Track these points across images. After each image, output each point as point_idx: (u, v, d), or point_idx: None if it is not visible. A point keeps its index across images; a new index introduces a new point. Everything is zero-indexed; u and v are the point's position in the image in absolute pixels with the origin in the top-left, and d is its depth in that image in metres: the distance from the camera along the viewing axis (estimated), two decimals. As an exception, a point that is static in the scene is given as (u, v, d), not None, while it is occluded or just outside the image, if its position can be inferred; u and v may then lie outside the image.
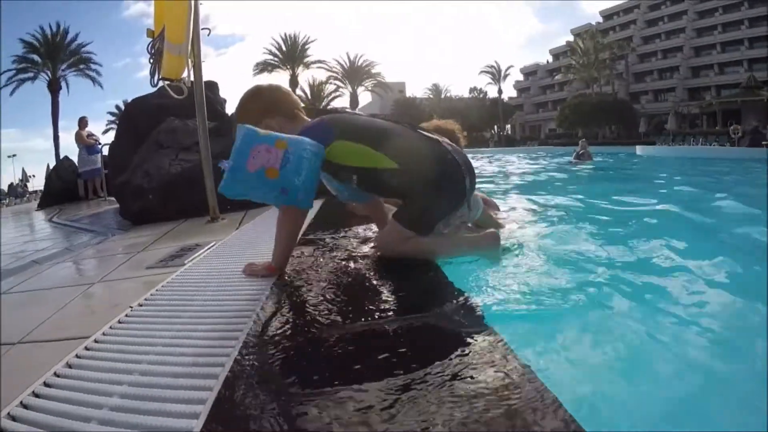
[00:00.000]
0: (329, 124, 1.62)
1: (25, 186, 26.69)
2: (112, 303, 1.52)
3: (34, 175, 30.54)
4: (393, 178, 1.56)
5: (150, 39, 2.84)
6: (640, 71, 54.37)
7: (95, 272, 2.13)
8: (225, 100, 6.25)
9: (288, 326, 1.11)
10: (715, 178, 6.49)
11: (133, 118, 4.85)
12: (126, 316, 1.33)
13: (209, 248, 2.03)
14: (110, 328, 1.24)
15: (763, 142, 21.16)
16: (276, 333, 1.06)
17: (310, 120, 1.69)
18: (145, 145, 4.04)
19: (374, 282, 1.44)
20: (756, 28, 44.93)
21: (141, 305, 1.40)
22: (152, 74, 2.78)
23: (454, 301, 1.19)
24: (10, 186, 26.82)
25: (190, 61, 2.69)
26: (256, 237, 2.20)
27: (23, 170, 29.75)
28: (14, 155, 36.94)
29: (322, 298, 1.29)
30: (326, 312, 1.18)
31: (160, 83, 2.83)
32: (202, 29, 2.88)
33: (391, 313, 1.15)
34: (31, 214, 9.02)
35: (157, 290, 1.51)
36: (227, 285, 1.47)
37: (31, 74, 35.72)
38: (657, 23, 55.35)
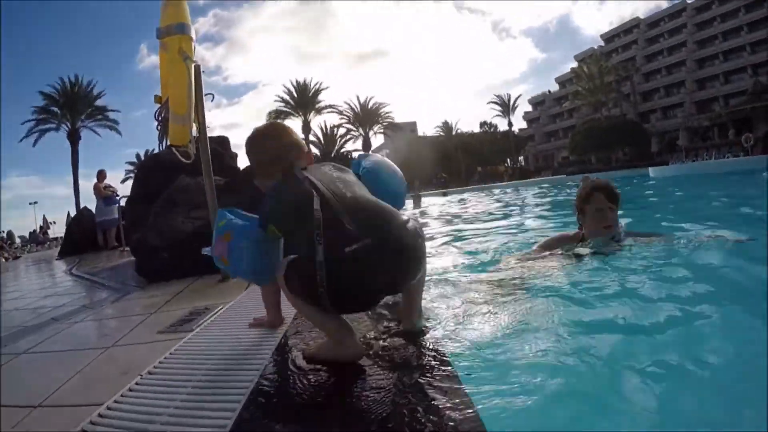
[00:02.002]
0: (263, 207, 1.60)
1: (46, 233, 27.36)
2: (124, 369, 1.61)
3: (54, 222, 31.38)
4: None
5: (158, 105, 3.01)
6: (646, 90, 54.52)
7: (110, 334, 2.23)
8: (236, 155, 6.45)
9: (286, 396, 1.19)
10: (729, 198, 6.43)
11: (148, 175, 5.07)
12: (136, 384, 1.42)
13: (217, 312, 2.14)
14: (121, 396, 1.34)
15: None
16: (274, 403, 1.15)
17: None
18: (159, 202, 4.22)
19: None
20: (756, 33, 44.94)
21: (150, 373, 1.50)
22: (160, 140, 2.96)
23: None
24: (32, 233, 27.54)
25: (195, 126, 2.87)
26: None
27: (44, 217, 30.61)
28: (35, 202, 38.11)
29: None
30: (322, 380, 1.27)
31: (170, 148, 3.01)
32: (206, 94, 3.06)
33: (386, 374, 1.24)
34: (51, 263, 9.28)
35: (165, 358, 1.61)
36: (230, 354, 1.56)
37: (53, 125, 37.06)
38: (658, 40, 55.78)
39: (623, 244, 2.59)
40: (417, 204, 15.04)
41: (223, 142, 6.31)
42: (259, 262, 1.59)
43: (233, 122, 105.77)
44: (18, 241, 24.41)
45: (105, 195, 9.88)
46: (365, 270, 1.34)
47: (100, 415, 1.23)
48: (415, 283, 1.55)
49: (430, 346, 1.46)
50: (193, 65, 2.66)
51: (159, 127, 2.90)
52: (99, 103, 38.98)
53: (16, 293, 4.80)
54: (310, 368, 1.39)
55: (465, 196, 19.53)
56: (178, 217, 3.82)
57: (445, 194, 20.81)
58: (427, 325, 1.64)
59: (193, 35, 2.70)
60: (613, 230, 2.64)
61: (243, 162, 6.46)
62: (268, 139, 1.70)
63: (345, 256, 1.31)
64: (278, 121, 1.89)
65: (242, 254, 1.58)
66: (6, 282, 6.92)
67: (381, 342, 1.53)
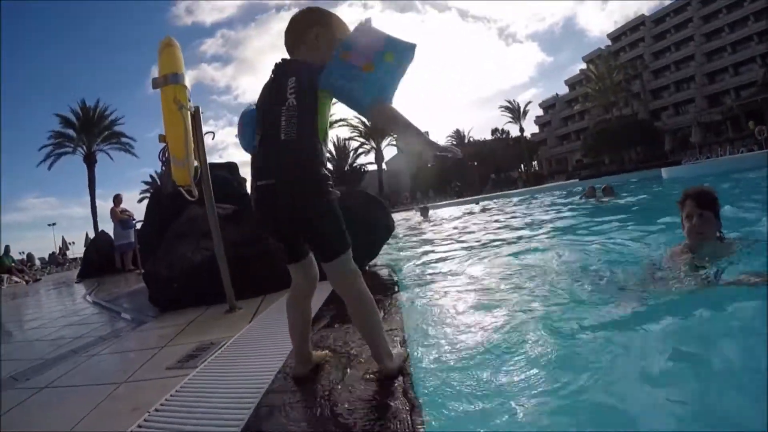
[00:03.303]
0: None
1: (65, 254, 27.97)
2: (133, 405, 1.76)
3: (73, 242, 32.03)
4: None
5: (163, 143, 3.18)
6: (656, 87, 54.10)
7: (124, 369, 2.38)
8: (245, 180, 6.61)
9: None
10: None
11: (159, 203, 5.27)
12: (145, 420, 1.57)
13: (221, 347, 2.28)
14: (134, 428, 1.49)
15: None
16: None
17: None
18: (169, 232, 4.40)
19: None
20: (762, 22, 44.35)
21: (157, 410, 1.65)
22: (165, 179, 3.14)
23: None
24: (51, 255, 28.14)
25: (196, 165, 3.04)
26: (264, 331, 2.44)
27: (63, 238, 31.28)
28: (54, 223, 38.79)
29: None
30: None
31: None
32: (206, 133, 3.23)
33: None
34: (71, 286, 9.56)
35: (171, 395, 1.75)
36: (228, 391, 1.70)
37: (68, 148, 37.91)
38: (665, 36, 55.36)
39: (732, 249, 2.51)
40: (425, 216, 15.07)
41: (231, 167, 6.50)
42: None
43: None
44: (38, 263, 24.94)
45: (121, 219, 10.22)
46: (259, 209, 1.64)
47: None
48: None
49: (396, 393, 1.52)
50: (189, 112, 2.82)
51: (163, 168, 3.07)
52: (116, 128, 39.78)
53: (38, 321, 5.01)
54: (303, 400, 1.53)
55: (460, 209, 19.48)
56: (188, 248, 3.99)
57: (424, 215, 20.35)
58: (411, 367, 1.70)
59: (187, 83, 2.86)
60: (708, 236, 2.57)
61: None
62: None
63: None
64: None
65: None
66: (26, 306, 7.20)
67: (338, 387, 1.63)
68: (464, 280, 3.51)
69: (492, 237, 6.85)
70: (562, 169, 54.03)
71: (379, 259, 5.08)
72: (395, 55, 1.56)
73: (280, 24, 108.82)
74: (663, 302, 2.24)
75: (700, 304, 2.05)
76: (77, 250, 29.00)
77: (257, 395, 1.58)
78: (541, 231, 6.62)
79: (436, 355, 1.85)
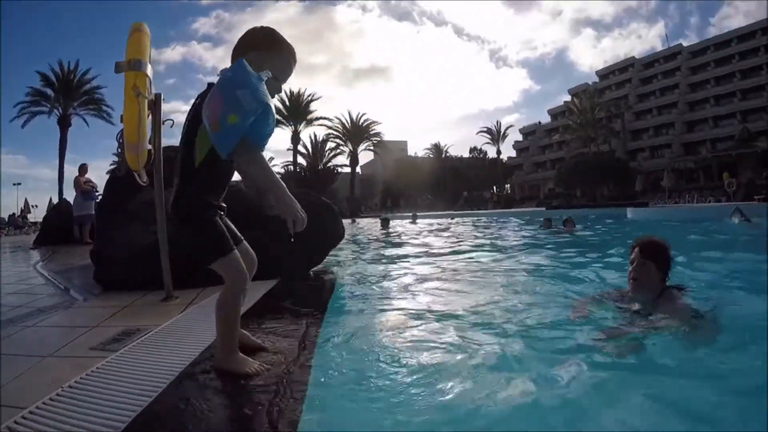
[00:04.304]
0: None
1: (26, 217, 27.18)
2: (53, 379, 1.84)
3: (36, 206, 31.08)
4: None
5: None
6: (636, 128, 55.66)
7: (51, 344, 2.44)
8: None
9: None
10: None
11: (116, 182, 5.26)
12: (56, 395, 1.66)
13: (145, 335, 2.38)
14: (42, 403, 1.58)
15: (756, 197, 21.60)
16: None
17: None
18: (121, 213, 4.43)
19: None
20: (748, 80, 46.33)
21: (71, 387, 1.74)
22: (120, 161, 3.22)
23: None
24: (11, 216, 27.32)
25: (151, 150, 3.13)
26: (190, 324, 2.54)
27: (26, 201, 30.35)
28: (19, 183, 37.67)
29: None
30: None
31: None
32: (165, 121, 3.32)
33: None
34: (26, 252, 9.37)
35: (86, 374, 1.85)
36: (135, 377, 1.81)
37: (44, 107, 36.89)
38: (651, 80, 57.15)
39: (657, 311, 2.47)
40: (385, 227, 15.20)
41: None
42: None
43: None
44: (-6, 223, 24.24)
45: (84, 189, 10.06)
46: None
47: (15, 422, 1.47)
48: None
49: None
50: (149, 98, 2.90)
51: (119, 150, 3.13)
52: (96, 95, 38.84)
53: None
54: (207, 392, 1.64)
55: (434, 221, 19.87)
56: (138, 231, 4.03)
57: (414, 219, 20.74)
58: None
59: (149, 72, 2.94)
60: (643, 284, 2.60)
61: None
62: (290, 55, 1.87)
63: None
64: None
65: None
66: None
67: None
68: (399, 295, 3.68)
69: (442, 252, 7.08)
70: (534, 196, 55.00)
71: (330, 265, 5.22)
72: (239, 116, 1.56)
73: (275, 13, 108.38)
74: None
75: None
76: (39, 214, 28.16)
77: (159, 388, 1.69)
78: (491, 254, 6.85)
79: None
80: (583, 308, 2.80)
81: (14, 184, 37.46)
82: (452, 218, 22.55)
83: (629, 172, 43.33)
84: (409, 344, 2.27)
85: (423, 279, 4.52)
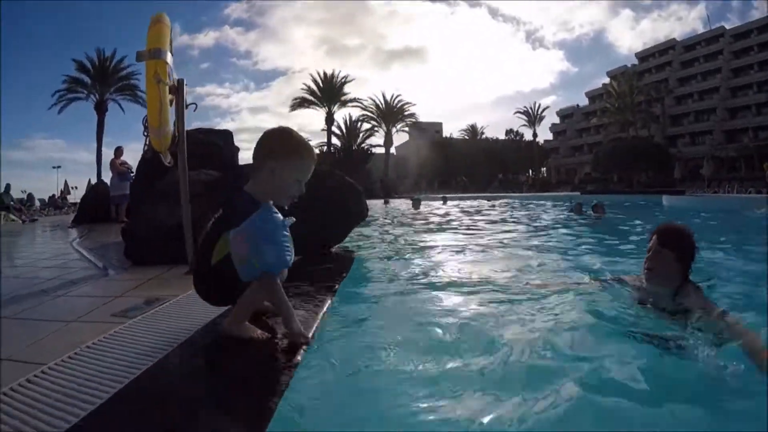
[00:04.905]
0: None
1: (65, 198, 28.26)
2: (73, 342, 1.99)
3: (76, 187, 32.21)
4: None
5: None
6: (676, 114, 53.78)
7: (77, 311, 2.62)
8: (238, 149, 6.81)
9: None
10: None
11: (149, 162, 5.48)
12: (75, 353, 1.82)
13: (162, 305, 2.52)
14: (61, 360, 1.75)
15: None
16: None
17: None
18: (151, 194, 4.62)
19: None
20: None
21: (88, 347, 1.88)
22: (145, 144, 3.37)
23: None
24: (51, 197, 28.46)
25: (176, 132, 3.26)
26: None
27: (66, 182, 31.46)
28: (59, 166, 38.98)
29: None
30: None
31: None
32: (189, 104, 3.44)
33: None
34: (64, 230, 9.84)
35: (103, 337, 1.99)
36: (145, 343, 1.93)
37: (82, 94, 38.14)
38: (692, 64, 54.98)
39: (680, 305, 2.28)
40: (416, 207, 15.25)
41: (226, 135, 6.70)
42: None
43: (261, 105, 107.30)
44: (37, 203, 25.30)
45: (120, 171, 10.48)
46: None
47: (34, 376, 1.61)
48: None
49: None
50: (169, 84, 3.02)
51: (145, 133, 3.28)
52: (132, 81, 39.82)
53: (22, 260, 5.30)
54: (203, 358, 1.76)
55: (467, 203, 19.81)
56: (167, 209, 4.19)
57: (444, 201, 20.81)
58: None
59: (169, 60, 3.05)
60: (657, 273, 2.39)
61: (244, 158, 6.85)
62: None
63: None
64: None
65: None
66: (17, 245, 7.48)
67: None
68: (416, 276, 3.74)
69: (463, 233, 7.09)
70: (570, 180, 54.02)
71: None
72: (262, 264, 1.75)
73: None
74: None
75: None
76: (78, 195, 29.20)
77: (165, 351, 1.81)
78: (518, 237, 6.83)
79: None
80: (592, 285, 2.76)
81: (54, 167, 38.85)
82: (488, 200, 22.47)
83: (668, 159, 42.01)
84: (411, 333, 2.27)
85: (439, 261, 4.57)
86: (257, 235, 1.73)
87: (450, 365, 1.83)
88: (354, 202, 4.82)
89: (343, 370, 1.77)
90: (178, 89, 3.22)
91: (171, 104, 3.35)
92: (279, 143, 1.88)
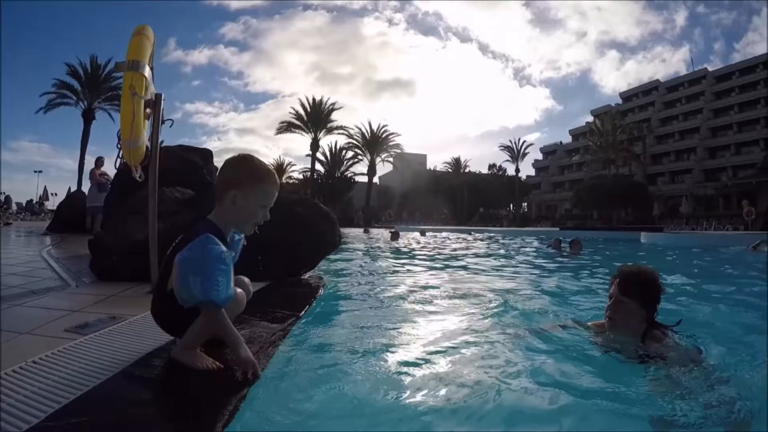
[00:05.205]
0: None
1: (42, 204, 27.80)
2: (23, 354, 1.91)
3: (56, 194, 31.73)
4: None
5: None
6: (657, 152, 55.16)
7: (32, 322, 2.55)
8: (216, 169, 6.78)
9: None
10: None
11: (120, 177, 5.43)
12: (20, 367, 1.76)
13: (118, 323, 2.47)
14: (5, 373, 1.69)
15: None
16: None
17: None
18: (123, 208, 4.56)
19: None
20: None
21: (35, 362, 1.83)
22: (117, 156, 3.34)
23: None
24: (29, 202, 27.98)
25: (148, 147, 3.25)
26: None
27: (45, 188, 31.10)
28: (41, 171, 38.46)
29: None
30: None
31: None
32: (165, 120, 3.43)
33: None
34: (36, 237, 9.66)
35: (51, 353, 1.93)
36: (90, 363, 1.88)
37: (71, 100, 37.80)
38: (675, 104, 56.65)
39: (645, 356, 2.17)
40: (395, 239, 15.32)
41: (205, 155, 6.67)
42: None
43: (248, 127, 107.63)
44: (14, 207, 24.86)
45: (99, 182, 10.35)
46: None
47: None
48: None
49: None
50: (145, 98, 3.01)
51: (118, 145, 3.25)
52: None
53: None
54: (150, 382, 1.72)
55: (447, 235, 19.98)
56: (136, 225, 4.13)
57: (422, 233, 21.05)
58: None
59: (147, 73, 3.05)
60: (618, 325, 2.29)
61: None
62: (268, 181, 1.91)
63: None
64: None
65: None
66: None
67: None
68: (380, 307, 3.72)
69: (434, 267, 7.11)
70: (551, 215, 54.71)
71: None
72: (188, 298, 1.72)
73: (303, 22, 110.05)
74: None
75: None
76: (57, 202, 28.74)
77: (110, 372, 1.76)
78: (491, 270, 6.87)
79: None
80: (554, 329, 2.62)
81: (35, 171, 38.39)
82: (470, 233, 22.78)
83: (647, 197, 42.93)
84: (371, 360, 2.25)
85: (405, 293, 4.53)
86: (184, 266, 1.71)
87: (405, 398, 1.82)
88: (327, 229, 4.83)
89: (293, 402, 1.74)
90: (155, 104, 3.21)
91: (147, 118, 3.35)
92: (240, 171, 1.87)
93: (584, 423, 1.65)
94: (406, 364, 2.17)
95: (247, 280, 2.24)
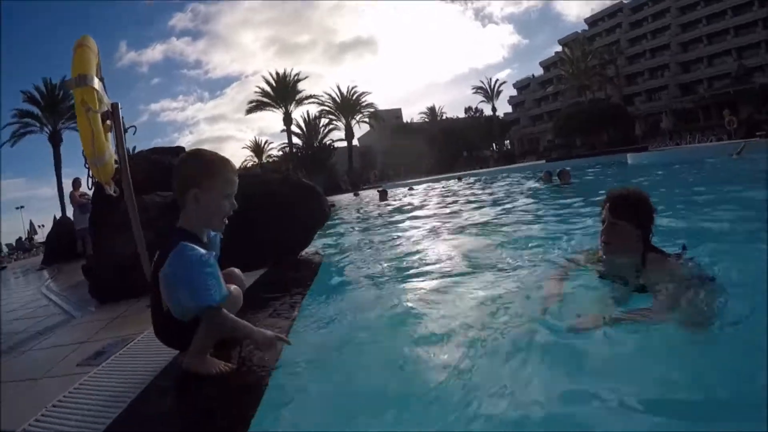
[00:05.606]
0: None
1: (32, 239, 27.43)
2: (41, 401, 1.87)
3: (42, 225, 31.20)
4: None
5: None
6: (631, 73, 54.85)
7: (45, 365, 2.50)
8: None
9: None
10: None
11: (99, 196, 5.27)
12: (41, 415, 1.73)
13: (127, 345, 2.42)
14: (29, 425, 1.66)
15: (758, 133, 21.31)
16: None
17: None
18: (107, 226, 4.44)
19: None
20: (740, 16, 45.37)
21: (54, 406, 1.80)
22: (87, 176, 3.22)
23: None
24: (18, 240, 27.59)
25: (114, 161, 3.14)
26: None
27: (31, 223, 30.57)
28: (22, 206, 37.68)
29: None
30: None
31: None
32: (129, 127, 3.31)
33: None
34: (33, 274, 9.59)
35: (68, 392, 1.89)
36: (111, 392, 1.85)
37: (35, 127, 36.89)
38: (641, 24, 56.01)
39: (644, 275, 2.15)
40: (383, 197, 15.21)
41: (178, 152, 6.48)
42: None
43: (218, 114, 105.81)
44: (5, 249, 24.53)
45: (80, 203, 10.14)
46: None
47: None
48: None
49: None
50: (100, 111, 2.87)
51: (86, 164, 3.12)
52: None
53: None
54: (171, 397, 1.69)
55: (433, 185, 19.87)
56: (122, 240, 4.03)
57: (410, 188, 20.91)
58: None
59: (97, 85, 2.89)
60: (615, 249, 2.27)
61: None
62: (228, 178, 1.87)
63: None
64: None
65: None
66: None
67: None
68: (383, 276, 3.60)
69: (434, 221, 7.08)
70: (534, 149, 54.60)
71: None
72: (179, 311, 1.71)
73: (250, 1, 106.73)
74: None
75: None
76: (46, 233, 28.38)
77: (130, 397, 1.74)
78: (488, 215, 6.85)
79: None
80: (555, 289, 2.35)
81: (17, 208, 37.51)
82: (459, 179, 22.71)
83: (627, 118, 42.86)
84: (376, 337, 2.21)
85: (406, 252, 4.49)
86: (169, 282, 1.68)
87: (434, 376, 1.72)
88: (314, 204, 4.78)
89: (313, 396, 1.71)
90: (113, 114, 3.08)
91: (110, 131, 3.22)
92: (194, 168, 1.83)
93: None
94: (422, 339, 2.10)
95: (238, 271, 2.20)
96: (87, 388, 1.93)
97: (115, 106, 3.09)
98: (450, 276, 3.15)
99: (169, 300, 1.70)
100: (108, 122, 3.09)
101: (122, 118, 3.20)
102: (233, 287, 1.97)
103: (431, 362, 1.84)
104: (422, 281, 3.18)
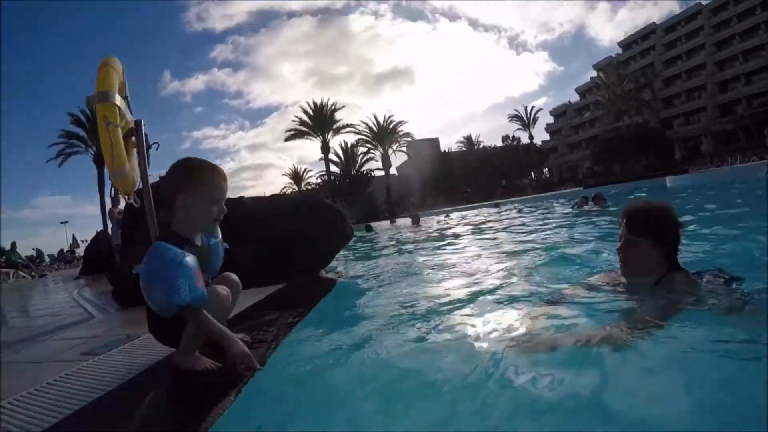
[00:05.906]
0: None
1: (73, 251, 28.61)
2: (36, 380, 2.00)
3: (85, 240, 32.52)
4: None
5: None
6: (667, 95, 53.80)
7: (55, 352, 2.72)
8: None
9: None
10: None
11: (130, 207, 5.59)
12: (35, 389, 1.88)
13: (130, 342, 2.60)
14: (21, 396, 1.81)
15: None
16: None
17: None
18: (136, 236, 4.70)
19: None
20: None
21: (49, 384, 1.94)
22: (111, 188, 3.46)
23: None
24: (60, 252, 28.90)
25: (138, 175, 3.36)
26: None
27: (73, 236, 31.97)
28: (66, 221, 39.41)
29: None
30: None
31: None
32: (152, 144, 3.53)
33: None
34: (68, 282, 10.12)
35: (63, 374, 2.04)
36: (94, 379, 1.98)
37: (80, 148, 38.78)
38: (675, 44, 55.04)
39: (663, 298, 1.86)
40: (416, 223, 15.28)
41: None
42: None
43: (258, 143, 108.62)
44: (47, 259, 25.77)
45: (117, 219, 10.60)
46: None
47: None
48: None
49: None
50: (118, 129, 3.09)
51: (111, 178, 3.35)
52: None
53: (25, 311, 5.83)
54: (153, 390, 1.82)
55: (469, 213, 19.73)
56: (146, 251, 4.28)
57: (447, 215, 20.79)
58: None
59: (119, 102, 3.12)
60: (632, 268, 2.03)
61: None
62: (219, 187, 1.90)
63: None
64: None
65: None
66: (22, 299, 8.18)
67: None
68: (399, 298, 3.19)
69: (456, 244, 7.06)
70: (572, 177, 53.80)
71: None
72: (157, 307, 1.79)
73: (291, 31, 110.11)
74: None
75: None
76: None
77: (115, 384, 1.87)
78: (520, 241, 6.66)
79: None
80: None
81: (61, 223, 39.35)
82: (497, 207, 22.66)
83: (666, 141, 41.83)
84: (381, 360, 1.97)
85: (428, 278, 4.11)
86: (144, 280, 1.75)
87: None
88: (335, 224, 4.82)
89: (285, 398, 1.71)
90: (137, 130, 3.31)
91: (135, 147, 3.45)
92: (180, 174, 1.89)
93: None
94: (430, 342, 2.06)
95: (234, 276, 2.18)
96: (82, 373, 2.06)
97: (138, 123, 3.30)
98: (467, 315, 2.50)
99: (146, 297, 1.76)
100: (133, 139, 3.32)
101: (146, 135, 3.43)
102: (221, 288, 1.94)
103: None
104: (431, 318, 2.53)
